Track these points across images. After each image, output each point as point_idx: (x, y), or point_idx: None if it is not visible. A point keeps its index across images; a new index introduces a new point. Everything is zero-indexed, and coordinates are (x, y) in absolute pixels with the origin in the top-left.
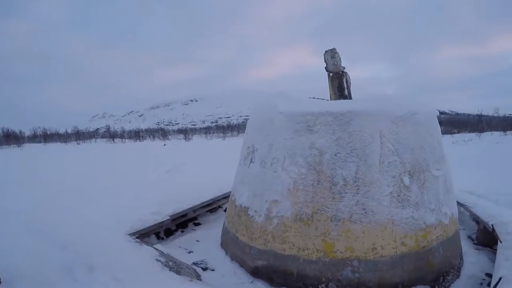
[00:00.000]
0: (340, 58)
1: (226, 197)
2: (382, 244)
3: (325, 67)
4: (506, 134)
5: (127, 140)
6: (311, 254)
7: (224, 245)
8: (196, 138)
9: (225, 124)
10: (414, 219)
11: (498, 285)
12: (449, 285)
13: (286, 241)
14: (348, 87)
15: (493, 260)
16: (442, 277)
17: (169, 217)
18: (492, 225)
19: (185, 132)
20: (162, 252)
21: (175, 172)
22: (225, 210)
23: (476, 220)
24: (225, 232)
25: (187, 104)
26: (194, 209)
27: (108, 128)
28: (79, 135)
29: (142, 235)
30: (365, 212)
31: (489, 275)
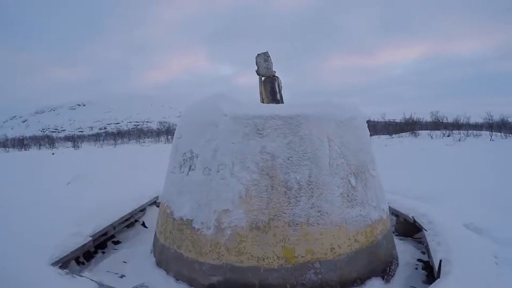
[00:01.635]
0: (272, 62)
1: (142, 209)
2: (339, 243)
3: (256, 70)
4: (392, 137)
5: (10, 149)
6: (272, 262)
7: (163, 264)
8: (85, 145)
9: (114, 131)
10: (362, 216)
11: (441, 266)
12: (394, 274)
13: (243, 252)
14: (280, 91)
15: (417, 248)
16: (388, 267)
17: (91, 238)
18: (412, 217)
19: (74, 140)
20: (101, 283)
21: (78, 184)
22: (143, 224)
23: (395, 213)
24: (161, 250)
25: (74, 108)
26: (114, 226)
27: None
28: None
29: (65, 263)
30: (320, 214)
31: (420, 260)
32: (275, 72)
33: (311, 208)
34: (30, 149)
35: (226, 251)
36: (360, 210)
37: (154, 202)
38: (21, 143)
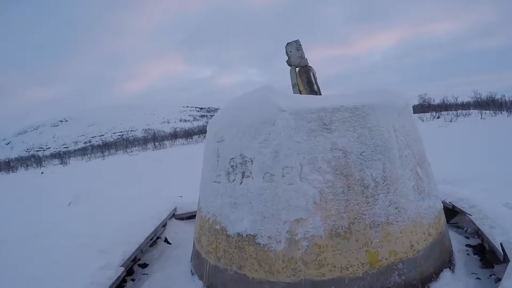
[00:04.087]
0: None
1: (164, 225)
2: (416, 240)
3: (287, 61)
4: None
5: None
6: (357, 270)
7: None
8: (73, 161)
9: (100, 143)
10: (431, 208)
11: (504, 250)
12: (455, 262)
13: (324, 264)
14: (316, 82)
15: (458, 233)
16: (452, 257)
17: (123, 267)
18: (450, 202)
19: (60, 156)
20: None
21: (80, 204)
22: (165, 241)
23: None
24: (213, 272)
25: (57, 125)
26: (141, 249)
27: None
28: None
29: None
30: (398, 211)
31: (469, 246)
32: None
33: (389, 205)
34: (17, 170)
35: (304, 265)
36: (428, 202)
37: (173, 215)
38: (7, 165)
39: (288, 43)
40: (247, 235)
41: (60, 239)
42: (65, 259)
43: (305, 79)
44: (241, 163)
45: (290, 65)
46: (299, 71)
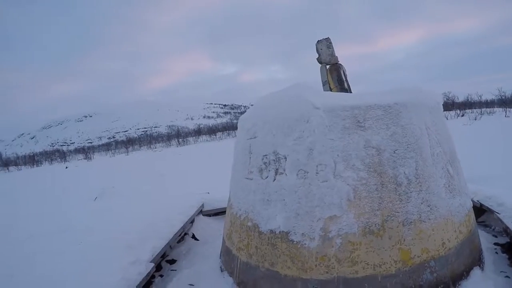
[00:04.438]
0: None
1: (192, 221)
2: (448, 237)
3: (317, 58)
4: None
5: (23, 167)
6: (390, 268)
7: (248, 285)
8: (97, 156)
9: (124, 139)
10: (462, 206)
11: None
12: (484, 260)
13: (357, 262)
14: (346, 79)
15: (486, 231)
16: (480, 255)
17: (153, 263)
18: (478, 200)
19: (85, 151)
20: None
21: (107, 198)
22: (193, 237)
23: None
24: (245, 269)
25: (81, 120)
26: (170, 244)
27: (0, 155)
28: None
29: None
30: (430, 209)
31: (497, 244)
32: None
33: (422, 203)
34: (41, 164)
35: (337, 262)
36: (459, 200)
37: (201, 211)
38: (32, 159)
39: (318, 40)
40: (280, 232)
41: (88, 233)
42: (94, 254)
43: (335, 77)
44: (274, 160)
45: (320, 62)
46: (329, 68)
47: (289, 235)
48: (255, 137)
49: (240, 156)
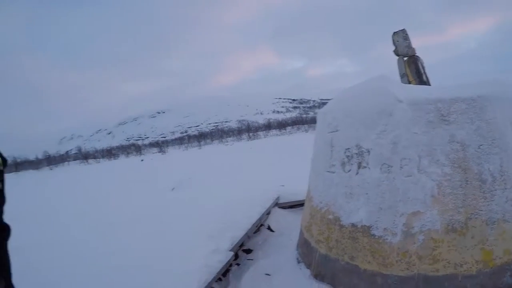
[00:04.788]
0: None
1: (268, 213)
2: None
3: (394, 51)
4: None
5: (101, 160)
6: (471, 268)
7: (326, 278)
8: (170, 150)
9: (196, 133)
10: None
11: None
12: None
13: (438, 259)
14: (425, 72)
15: None
16: None
17: (232, 252)
18: None
19: (159, 145)
20: None
21: (184, 189)
22: (268, 228)
23: None
24: (323, 261)
25: (155, 116)
26: (248, 235)
27: (79, 149)
28: (50, 160)
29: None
30: None
31: None
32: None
33: (506, 202)
34: (118, 158)
35: (418, 259)
36: None
37: (276, 204)
38: (109, 153)
39: (394, 32)
40: (362, 226)
41: (170, 222)
42: (178, 242)
43: (413, 69)
44: (357, 154)
45: (397, 55)
46: (407, 61)
47: (371, 229)
48: (337, 131)
49: (321, 149)
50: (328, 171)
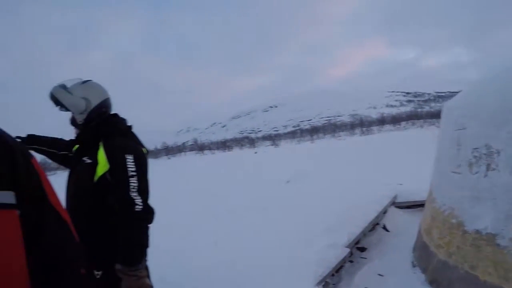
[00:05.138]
0: None
1: (385, 212)
2: None
3: None
4: None
5: (216, 151)
6: None
7: (441, 284)
8: (283, 143)
9: (308, 127)
10: None
11: None
12: None
13: None
14: None
15: None
16: None
17: (348, 249)
18: None
19: (272, 139)
20: None
21: (297, 183)
22: (384, 228)
23: None
24: (440, 267)
25: (267, 110)
26: (364, 233)
27: (196, 141)
28: (168, 150)
29: (327, 283)
30: None
31: None
32: None
33: None
34: (232, 149)
35: None
36: None
37: (393, 203)
38: (223, 145)
39: None
40: (486, 233)
41: (286, 213)
42: (295, 233)
43: None
44: (486, 154)
45: None
46: None
47: (496, 238)
48: (464, 128)
49: (446, 148)
50: (454, 172)
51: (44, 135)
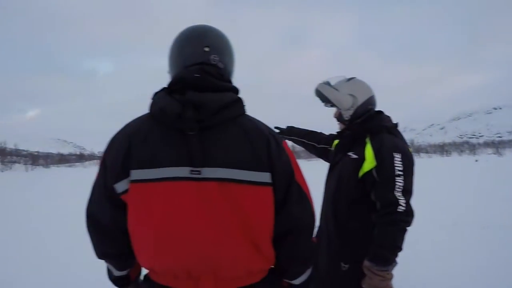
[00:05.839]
0: None
1: None
2: None
3: None
4: None
5: (433, 155)
6: None
7: None
8: (507, 152)
9: None
10: None
11: None
12: None
13: None
14: None
15: None
16: None
17: None
18: None
19: (495, 146)
20: None
21: None
22: None
23: None
24: None
25: (490, 113)
26: None
27: (412, 143)
28: None
29: None
30: None
31: None
32: None
33: None
34: (451, 155)
35: None
36: None
37: None
38: (441, 148)
39: None
40: None
41: None
42: None
43: None
44: None
45: None
46: None
47: None
48: None
49: None
50: None
51: (303, 128)
